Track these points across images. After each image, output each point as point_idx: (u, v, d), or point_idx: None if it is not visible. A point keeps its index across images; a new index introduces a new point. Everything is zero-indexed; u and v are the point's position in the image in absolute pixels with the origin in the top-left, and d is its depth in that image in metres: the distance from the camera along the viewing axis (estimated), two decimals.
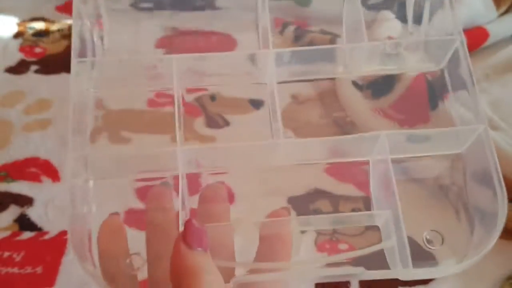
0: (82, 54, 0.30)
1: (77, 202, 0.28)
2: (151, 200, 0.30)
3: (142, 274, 0.28)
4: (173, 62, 0.31)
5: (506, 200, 0.28)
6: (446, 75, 0.33)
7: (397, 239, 0.27)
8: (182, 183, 0.28)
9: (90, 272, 0.26)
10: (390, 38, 0.40)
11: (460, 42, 0.31)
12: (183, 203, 0.27)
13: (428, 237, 0.33)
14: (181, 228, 0.26)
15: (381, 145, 0.30)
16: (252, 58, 0.32)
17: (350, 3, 0.35)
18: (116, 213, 0.30)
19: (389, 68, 0.35)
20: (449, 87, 0.35)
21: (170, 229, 0.28)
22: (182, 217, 0.27)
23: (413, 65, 0.35)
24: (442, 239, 0.32)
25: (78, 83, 0.30)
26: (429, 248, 0.32)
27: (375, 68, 0.35)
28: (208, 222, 0.27)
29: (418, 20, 0.41)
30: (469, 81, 0.31)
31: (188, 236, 0.23)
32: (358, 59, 0.33)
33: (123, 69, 0.32)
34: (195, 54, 0.31)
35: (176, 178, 0.29)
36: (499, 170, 0.28)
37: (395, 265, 0.27)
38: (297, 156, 0.31)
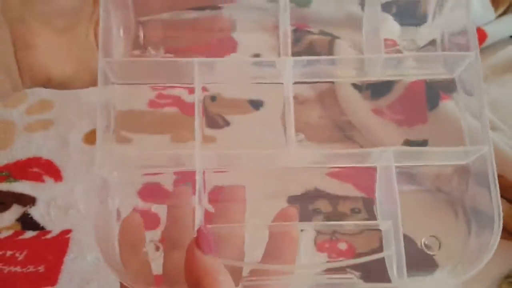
0: (107, 52, 0.31)
1: (102, 193, 0.29)
2: (173, 197, 0.33)
3: (158, 263, 0.29)
4: (195, 65, 0.31)
5: (501, 214, 0.29)
6: (457, 82, 0.34)
7: (395, 249, 0.28)
8: (199, 182, 0.30)
9: (112, 264, 0.27)
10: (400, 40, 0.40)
11: (475, 56, 0.32)
12: (199, 199, 0.29)
13: (426, 242, 0.33)
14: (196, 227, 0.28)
15: (387, 155, 0.31)
16: (271, 64, 0.34)
17: (371, 9, 0.36)
18: (136, 210, 0.32)
19: (403, 74, 0.35)
20: (454, 90, 0.35)
21: (186, 224, 0.31)
22: (198, 213, 0.29)
23: (426, 72, 0.36)
24: (439, 245, 0.33)
25: (105, 81, 0.31)
26: (428, 253, 0.33)
27: (389, 73, 0.35)
28: (224, 221, 0.30)
29: (422, 20, 0.41)
30: (478, 96, 0.31)
31: (200, 242, 0.26)
32: (375, 67, 0.34)
33: (145, 68, 0.33)
34: (215, 58, 0.33)
35: (176, 173, 0.30)
36: (497, 186, 0.29)
37: (392, 273, 0.28)
38: (306, 161, 0.33)
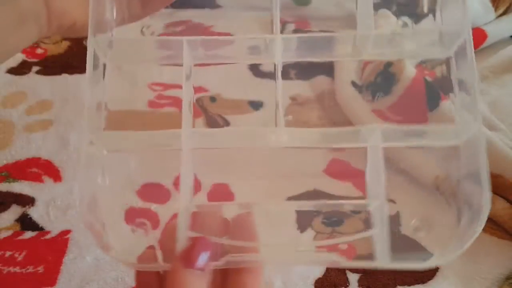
0: (98, 31, 0.31)
1: (89, 169, 0.29)
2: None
3: None
4: (183, 43, 0.32)
5: (490, 198, 0.28)
6: (453, 64, 0.33)
7: (380, 230, 0.28)
8: (186, 172, 0.30)
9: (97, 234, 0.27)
10: None
11: (467, 34, 0.31)
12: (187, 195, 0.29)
13: (416, 224, 0.33)
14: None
15: (376, 134, 0.30)
16: (264, 44, 0.33)
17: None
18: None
19: (399, 52, 0.34)
20: (452, 88, 0.35)
21: None
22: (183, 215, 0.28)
23: (422, 51, 0.35)
24: (429, 228, 0.32)
25: (94, 59, 0.31)
26: (416, 236, 0.32)
27: (384, 52, 0.34)
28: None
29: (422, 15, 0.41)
30: (470, 80, 0.31)
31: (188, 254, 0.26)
32: (366, 43, 0.33)
33: (137, 48, 0.33)
34: (204, 37, 0.32)
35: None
36: (487, 170, 0.29)
37: (376, 254, 0.28)
38: (296, 139, 0.32)
